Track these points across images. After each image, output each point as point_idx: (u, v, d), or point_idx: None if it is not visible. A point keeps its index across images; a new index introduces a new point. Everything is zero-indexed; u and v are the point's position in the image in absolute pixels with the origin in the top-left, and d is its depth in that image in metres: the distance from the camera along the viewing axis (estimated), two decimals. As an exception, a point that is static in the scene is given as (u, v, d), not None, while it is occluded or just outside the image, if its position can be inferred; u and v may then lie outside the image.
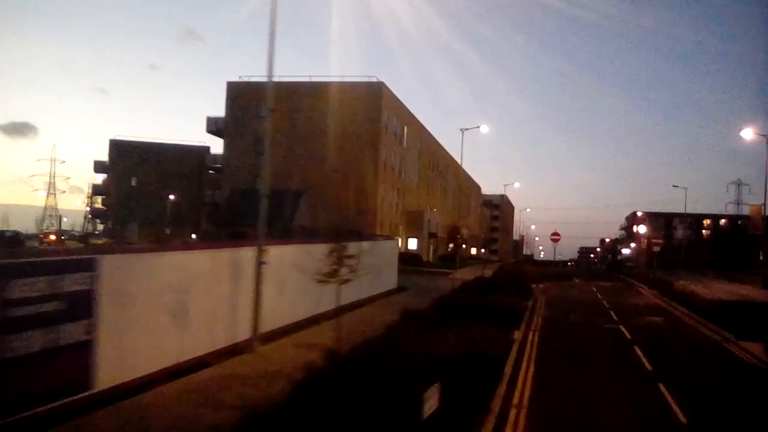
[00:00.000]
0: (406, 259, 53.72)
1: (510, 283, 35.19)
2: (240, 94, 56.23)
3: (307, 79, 55.34)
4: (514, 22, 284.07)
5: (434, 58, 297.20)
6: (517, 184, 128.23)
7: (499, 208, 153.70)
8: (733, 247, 64.10)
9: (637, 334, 20.39)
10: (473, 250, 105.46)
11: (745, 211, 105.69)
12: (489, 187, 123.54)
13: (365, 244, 26.95)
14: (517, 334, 19.20)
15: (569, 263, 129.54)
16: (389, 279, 29.62)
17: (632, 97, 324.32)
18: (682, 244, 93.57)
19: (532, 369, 14.77)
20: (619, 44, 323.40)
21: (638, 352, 17.15)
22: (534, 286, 38.05)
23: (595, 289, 38.78)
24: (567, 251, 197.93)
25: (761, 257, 47.42)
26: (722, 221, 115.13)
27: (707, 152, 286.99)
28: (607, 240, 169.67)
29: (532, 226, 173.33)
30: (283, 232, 35.32)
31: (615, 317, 24.87)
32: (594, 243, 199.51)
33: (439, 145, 78.69)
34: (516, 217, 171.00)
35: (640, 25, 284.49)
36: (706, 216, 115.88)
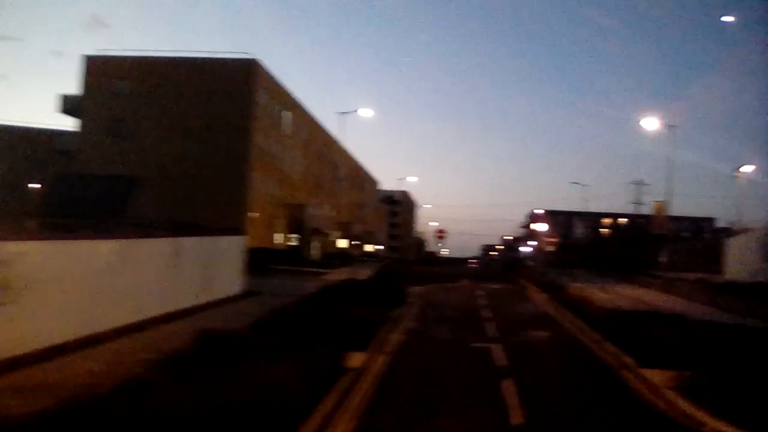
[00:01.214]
0: (283, 256, 48.80)
1: (385, 286, 30.89)
2: (97, 69, 49.80)
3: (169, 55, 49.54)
4: (412, 18, 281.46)
5: (334, 51, 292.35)
6: (413, 179, 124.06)
7: (401, 204, 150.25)
8: (633, 247, 61.18)
9: (514, 359, 15.72)
10: (369, 247, 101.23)
11: (646, 210, 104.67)
12: (393, 183, 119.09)
13: (187, 242, 21.75)
14: (359, 361, 14.32)
15: (472, 261, 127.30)
16: (228, 283, 24.42)
17: (540, 94, 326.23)
18: (581, 243, 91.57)
19: (350, 426, 9.86)
20: (519, 40, 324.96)
21: (508, 389, 12.39)
22: (414, 289, 33.56)
23: (482, 293, 34.37)
24: (472, 249, 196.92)
25: (665, 258, 44.47)
26: (623, 220, 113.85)
27: (612, 151, 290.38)
28: (508, 238, 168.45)
29: (432, 223, 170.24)
30: (111, 225, 29.60)
31: (493, 331, 20.21)
32: (498, 240, 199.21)
33: (331, 135, 73.67)
34: (419, 214, 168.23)
35: (540, 21, 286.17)
36: (607, 215, 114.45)
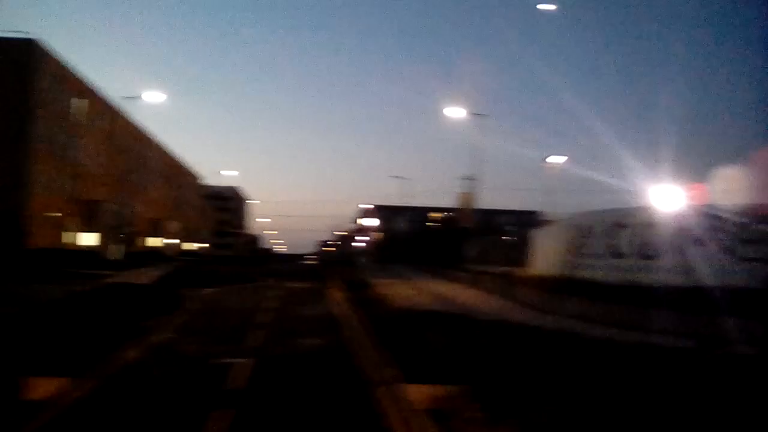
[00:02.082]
0: (77, 258, 44.22)
1: (163, 290, 27.65)
2: None
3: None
4: (236, 12, 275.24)
5: (155, 46, 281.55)
6: (234, 173, 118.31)
7: (230, 200, 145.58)
8: (448, 241, 60.23)
9: (258, 378, 12.93)
10: (192, 245, 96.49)
11: (479, 204, 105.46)
12: (225, 179, 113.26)
13: None
14: (49, 391, 11.16)
15: (309, 257, 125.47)
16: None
17: (370, 88, 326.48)
18: (407, 237, 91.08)
19: None
20: (344, 33, 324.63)
21: (216, 426, 9.64)
22: (203, 291, 30.46)
23: (279, 294, 31.59)
24: (308, 245, 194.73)
25: (474, 252, 43.56)
26: (453, 214, 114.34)
27: (448, 144, 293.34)
28: (340, 233, 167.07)
29: (263, 219, 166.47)
30: None
31: (257, 342, 17.40)
32: (332, 236, 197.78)
33: (140, 127, 68.60)
34: (251, 210, 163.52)
35: (366, 15, 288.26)
36: (436, 209, 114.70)
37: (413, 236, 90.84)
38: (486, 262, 44.36)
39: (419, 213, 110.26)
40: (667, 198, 27.43)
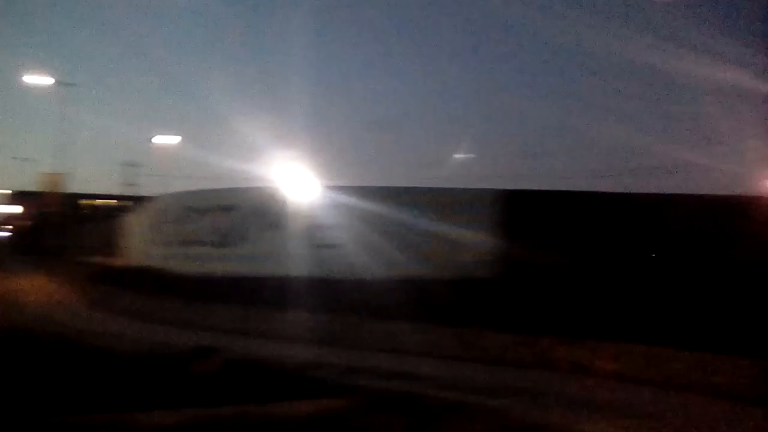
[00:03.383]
0: None
1: None
2: None
3: None
4: None
5: None
6: None
7: None
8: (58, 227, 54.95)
9: None
10: None
11: (143, 192, 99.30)
12: None
13: None
14: None
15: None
16: None
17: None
18: (46, 225, 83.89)
19: None
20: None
21: None
22: None
23: None
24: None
25: (55, 240, 39.39)
26: (109, 201, 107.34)
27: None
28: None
29: None
30: None
31: None
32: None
33: None
34: None
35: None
36: (90, 196, 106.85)
37: (52, 225, 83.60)
38: (98, 249, 40.82)
39: (71, 199, 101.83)
40: (287, 181, 25.99)
